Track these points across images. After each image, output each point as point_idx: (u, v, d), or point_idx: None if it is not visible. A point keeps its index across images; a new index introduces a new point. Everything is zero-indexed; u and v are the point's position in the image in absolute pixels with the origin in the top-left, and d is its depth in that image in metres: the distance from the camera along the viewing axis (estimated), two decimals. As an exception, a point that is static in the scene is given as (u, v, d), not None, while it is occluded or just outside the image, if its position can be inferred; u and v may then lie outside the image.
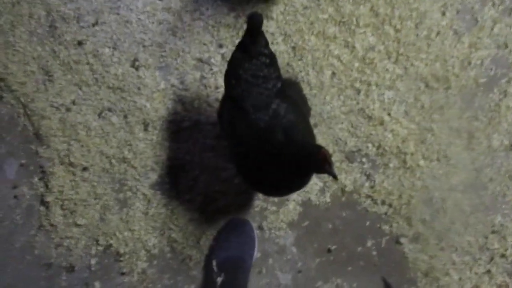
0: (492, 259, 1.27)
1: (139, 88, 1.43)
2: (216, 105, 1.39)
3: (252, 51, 0.91)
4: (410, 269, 1.28)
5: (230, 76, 0.96)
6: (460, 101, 1.34)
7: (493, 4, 1.37)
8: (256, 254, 1.31)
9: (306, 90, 1.37)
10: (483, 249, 1.27)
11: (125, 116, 1.42)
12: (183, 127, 1.39)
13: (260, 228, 1.34)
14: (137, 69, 1.45)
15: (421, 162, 1.31)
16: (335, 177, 0.77)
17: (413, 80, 1.36)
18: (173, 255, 1.34)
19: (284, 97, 0.95)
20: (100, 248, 1.37)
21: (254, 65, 0.92)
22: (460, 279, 1.26)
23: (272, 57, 0.95)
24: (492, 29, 1.38)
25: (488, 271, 1.26)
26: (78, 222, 1.38)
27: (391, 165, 1.31)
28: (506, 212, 1.29)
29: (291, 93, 1.02)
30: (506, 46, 1.37)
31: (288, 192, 1.02)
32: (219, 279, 1.22)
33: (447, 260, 1.27)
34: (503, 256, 1.26)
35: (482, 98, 1.34)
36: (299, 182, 0.92)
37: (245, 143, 0.94)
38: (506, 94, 1.34)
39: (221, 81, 1.41)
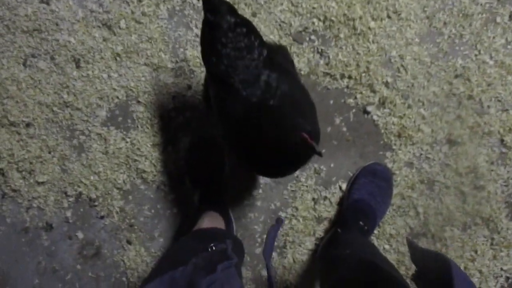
0: (460, 103, 1.25)
1: (57, 24, 1.29)
2: (143, 19, 1.27)
3: (222, 24, 0.79)
4: (383, 135, 1.26)
5: (209, 54, 0.84)
6: None
7: None
8: (228, 167, 1.26)
9: (235, -22, 1.25)
10: (449, 95, 1.25)
11: (52, 58, 1.30)
12: (117, 52, 1.28)
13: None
14: (47, 3, 1.29)
15: (372, 24, 1.23)
16: (319, 154, 0.71)
17: None
18: (146, 186, 1.30)
19: (273, 66, 0.84)
20: (71, 199, 1.32)
21: (231, 37, 0.80)
22: (432, 131, 1.25)
23: (247, 23, 0.83)
24: None
25: (458, 116, 1.25)
26: (40, 180, 1.31)
27: (341, 35, 1.24)
28: (465, 53, 1.24)
29: (278, 59, 0.91)
30: None
31: (290, 171, 0.92)
32: (196, 196, 1.18)
33: (416, 116, 1.25)
34: (470, 97, 1.24)
35: None
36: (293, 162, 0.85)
37: (237, 123, 0.83)
38: None
39: (142, -7, 1.27)
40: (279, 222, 1.25)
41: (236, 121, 0.84)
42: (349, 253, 0.94)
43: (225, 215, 1.14)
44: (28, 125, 1.30)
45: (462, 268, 1.24)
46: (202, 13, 0.80)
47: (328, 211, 1.26)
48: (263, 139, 0.78)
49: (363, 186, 1.18)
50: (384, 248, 1.26)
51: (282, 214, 1.27)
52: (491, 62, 1.24)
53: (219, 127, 0.92)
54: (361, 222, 1.10)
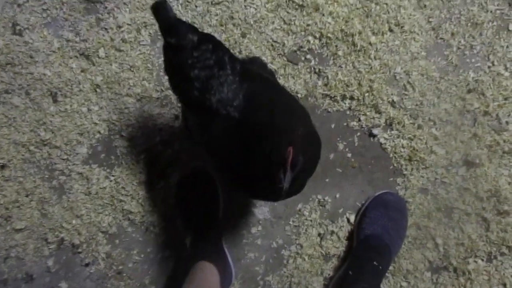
0: (475, 120, 1.13)
1: (31, 56, 1.20)
2: (123, 46, 1.17)
3: (185, 44, 0.72)
4: (392, 159, 1.14)
5: (177, 81, 0.77)
6: (397, -45, 1.14)
7: None
8: (222, 204, 1.14)
9: (221, -3, 1.16)
10: (463, 112, 1.13)
11: (27, 93, 1.20)
12: (97, 83, 1.18)
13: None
14: (20, 34, 1.20)
15: (373, 39, 1.13)
16: (279, 188, 0.64)
17: None
18: (134, 228, 1.18)
19: (252, 78, 0.77)
20: (52, 246, 1.20)
21: (197, 56, 0.73)
22: (446, 152, 1.13)
23: (211, 38, 0.76)
24: None
25: (474, 135, 1.13)
26: (18, 227, 1.19)
27: (340, 52, 1.13)
28: (477, 65, 1.13)
29: (255, 69, 0.83)
30: None
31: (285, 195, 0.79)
32: (188, 240, 1.06)
33: (428, 137, 1.13)
34: (486, 113, 1.13)
35: None
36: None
37: (225, 146, 0.75)
38: None
39: (122, 18, 1.18)
40: None
41: (223, 144, 0.75)
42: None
43: (220, 264, 1.01)
44: (3, 167, 1.19)
45: (490, 304, 1.11)
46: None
47: (336, 247, 1.13)
48: (254, 159, 0.68)
49: (374, 220, 1.05)
50: (401, 286, 1.13)
51: (285, 253, 1.14)
52: (507, 74, 1.13)
53: (207, 156, 0.83)
54: (375, 262, 0.97)
